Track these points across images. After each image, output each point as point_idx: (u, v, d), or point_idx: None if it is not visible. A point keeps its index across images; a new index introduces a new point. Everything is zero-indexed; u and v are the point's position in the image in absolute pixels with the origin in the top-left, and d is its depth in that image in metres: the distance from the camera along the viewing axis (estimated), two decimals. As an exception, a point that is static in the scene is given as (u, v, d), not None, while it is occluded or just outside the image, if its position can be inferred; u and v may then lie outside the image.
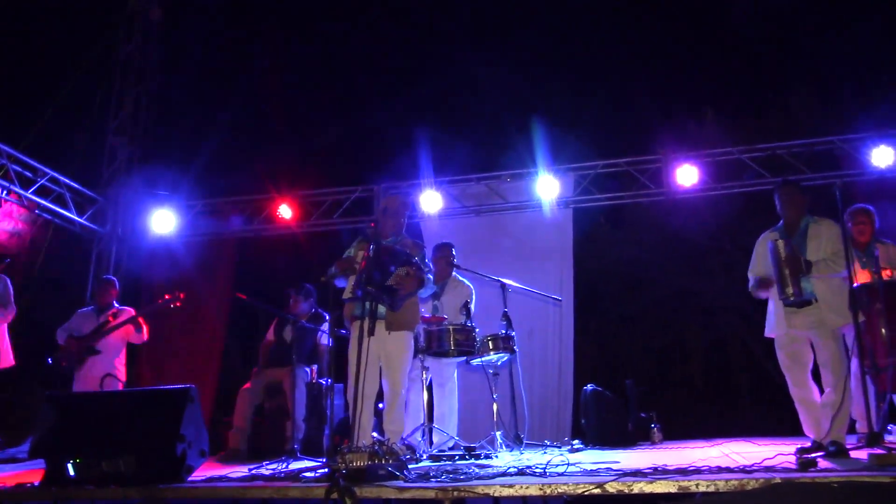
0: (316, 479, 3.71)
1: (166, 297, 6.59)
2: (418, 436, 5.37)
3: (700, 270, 13.45)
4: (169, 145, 10.86)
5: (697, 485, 3.05)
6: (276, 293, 7.40)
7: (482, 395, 6.46)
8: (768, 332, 4.82)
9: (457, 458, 4.88)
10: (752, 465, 3.49)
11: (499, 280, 6.16)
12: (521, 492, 3.22)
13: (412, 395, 5.52)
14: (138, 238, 9.18)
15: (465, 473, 3.71)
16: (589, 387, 6.82)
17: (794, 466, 3.46)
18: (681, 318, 14.64)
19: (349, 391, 4.44)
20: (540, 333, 7.91)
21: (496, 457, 5.07)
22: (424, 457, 4.93)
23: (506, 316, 5.86)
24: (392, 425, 4.82)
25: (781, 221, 4.90)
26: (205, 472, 4.41)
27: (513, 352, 5.71)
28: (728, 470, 3.42)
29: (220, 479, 4.07)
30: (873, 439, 3.90)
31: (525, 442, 5.90)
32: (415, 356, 5.24)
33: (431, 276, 5.00)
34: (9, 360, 5.68)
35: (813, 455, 3.84)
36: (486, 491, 3.23)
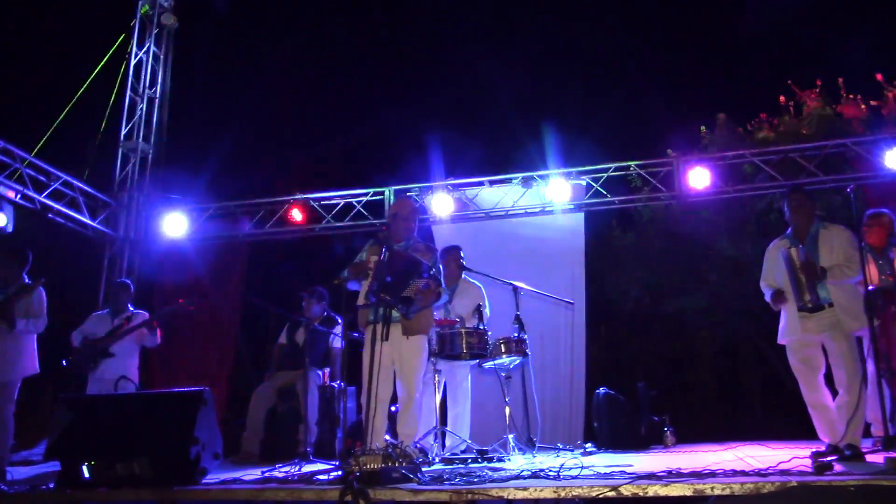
0: (329, 482, 3.73)
1: (181, 300, 6.62)
2: (431, 439, 5.36)
3: (712, 273, 13.38)
4: (181, 149, 10.91)
5: (713, 488, 3.05)
6: (288, 296, 7.43)
7: (494, 398, 6.45)
8: (781, 339, 4.79)
9: (469, 461, 4.88)
10: (768, 469, 3.48)
11: (511, 283, 6.13)
12: (536, 494, 3.22)
13: (425, 399, 5.51)
14: (150, 242, 9.22)
15: (479, 476, 3.72)
16: (601, 390, 6.78)
17: (809, 470, 3.45)
18: (693, 320, 14.56)
19: (363, 395, 4.45)
20: (552, 337, 7.87)
21: (509, 460, 5.07)
22: (437, 460, 4.93)
23: (518, 319, 5.83)
24: (405, 428, 4.81)
25: (790, 229, 4.85)
26: (218, 474, 4.43)
27: (525, 355, 5.69)
28: (743, 473, 3.40)
29: (234, 481, 4.09)
30: (889, 443, 3.88)
31: (537, 445, 5.90)
32: (427, 359, 5.24)
33: (444, 285, 5.02)
34: (35, 367, 5.74)
35: (828, 458, 3.81)
36: (501, 494, 3.24)
